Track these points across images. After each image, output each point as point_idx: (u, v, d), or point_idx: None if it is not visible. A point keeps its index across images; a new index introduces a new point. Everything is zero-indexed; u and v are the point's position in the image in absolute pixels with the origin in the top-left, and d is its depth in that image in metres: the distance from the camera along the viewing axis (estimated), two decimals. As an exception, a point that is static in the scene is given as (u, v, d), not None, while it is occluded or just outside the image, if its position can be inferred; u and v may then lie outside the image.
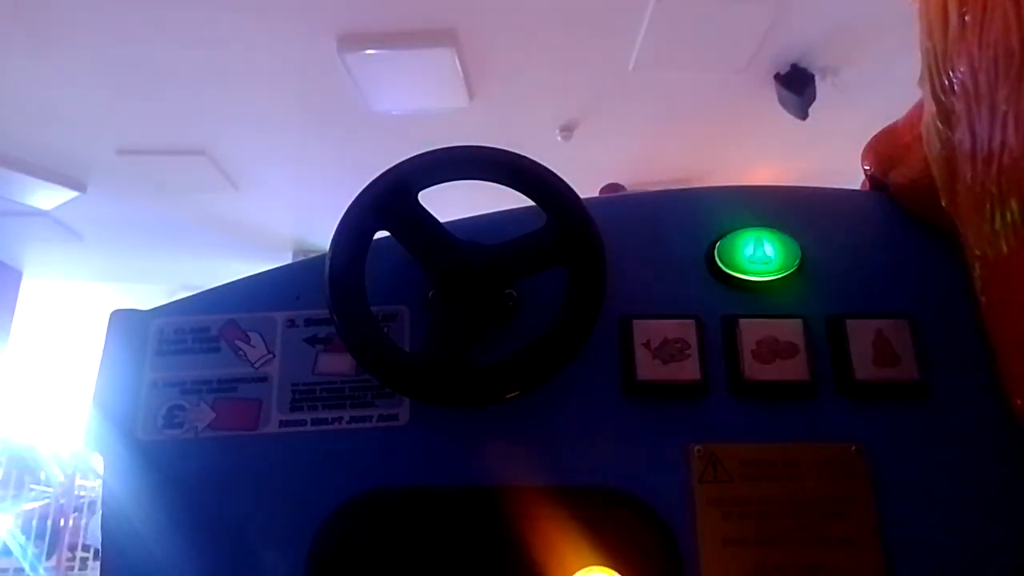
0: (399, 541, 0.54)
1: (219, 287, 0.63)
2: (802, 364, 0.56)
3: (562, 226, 0.56)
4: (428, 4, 2.62)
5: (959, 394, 0.56)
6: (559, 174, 0.57)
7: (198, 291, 0.63)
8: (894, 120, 0.63)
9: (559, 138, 3.43)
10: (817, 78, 2.98)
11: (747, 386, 0.56)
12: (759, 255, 0.59)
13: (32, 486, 5.79)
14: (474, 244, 0.57)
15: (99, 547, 0.58)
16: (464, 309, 0.55)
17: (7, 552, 5.22)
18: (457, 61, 2.85)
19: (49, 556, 5.51)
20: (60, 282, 5.38)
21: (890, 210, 0.62)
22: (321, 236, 4.38)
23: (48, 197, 3.92)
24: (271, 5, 2.59)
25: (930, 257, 0.60)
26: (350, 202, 0.56)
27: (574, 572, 0.51)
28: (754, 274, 0.59)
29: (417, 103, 3.19)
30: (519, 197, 0.58)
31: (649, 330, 0.57)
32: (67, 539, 5.62)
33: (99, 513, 0.59)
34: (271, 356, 0.59)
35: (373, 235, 0.56)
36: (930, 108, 0.51)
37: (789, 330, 0.57)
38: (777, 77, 2.99)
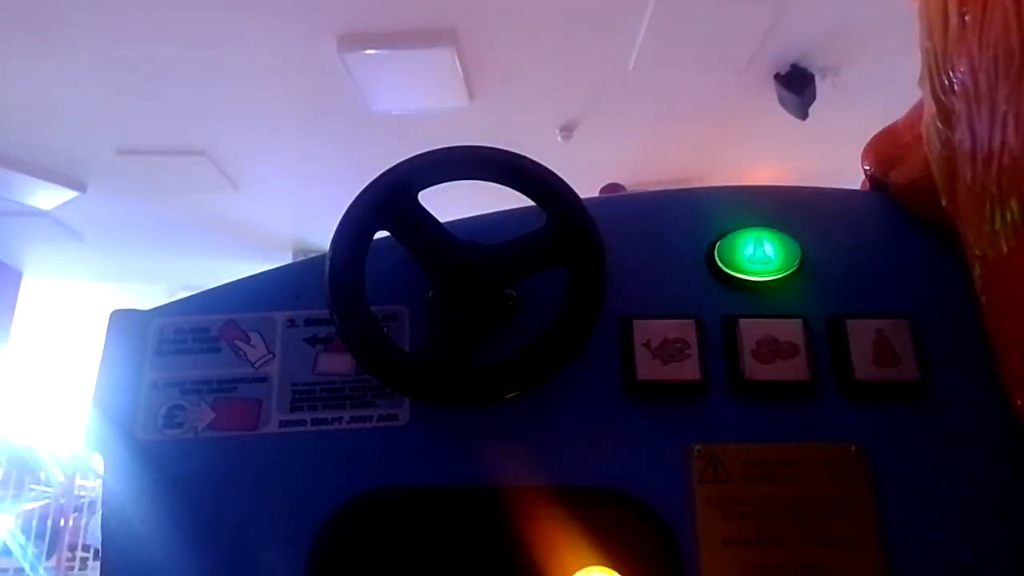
0: (399, 541, 0.54)
1: (219, 287, 0.63)
2: (802, 364, 0.56)
3: (562, 226, 0.56)
4: (428, 4, 2.62)
5: (959, 394, 0.56)
6: (559, 174, 0.57)
7: (198, 291, 0.63)
8: (894, 120, 0.63)
9: (559, 138, 3.43)
10: (817, 78, 2.98)
11: (747, 386, 0.56)
12: (759, 255, 0.59)
13: (32, 486, 5.79)
14: (474, 244, 0.57)
15: (99, 547, 0.58)
16: (464, 309, 0.55)
17: (7, 552, 5.22)
18: (457, 61, 2.85)
19: (49, 556, 5.51)
20: (60, 282, 5.38)
21: (890, 210, 0.62)
22: (321, 236, 4.38)
23: (48, 197, 3.92)
24: (271, 5, 2.59)
25: (930, 257, 0.60)
26: (350, 202, 0.56)
27: (574, 572, 0.51)
28: (754, 274, 0.59)
29: (417, 103, 3.19)
30: (519, 197, 0.58)
31: (649, 330, 0.57)
32: (67, 539, 5.63)
33: (99, 513, 0.59)
34: (271, 356, 0.59)
35: (373, 235, 0.56)
36: (930, 108, 0.51)
37: (789, 330, 0.57)
38: (777, 77, 2.99)
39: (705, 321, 0.58)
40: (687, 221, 0.62)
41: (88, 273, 5.26)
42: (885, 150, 0.63)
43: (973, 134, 0.46)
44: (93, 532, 5.47)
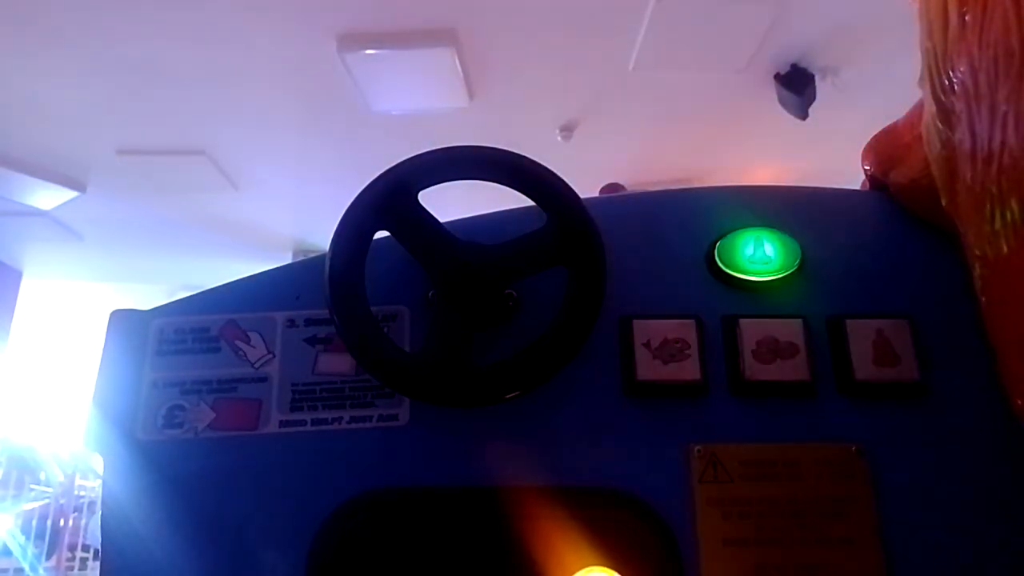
0: (399, 541, 0.54)
1: (219, 287, 0.63)
2: (802, 364, 0.56)
3: (562, 226, 0.56)
4: (428, 4, 2.62)
5: (959, 394, 0.56)
6: (559, 174, 0.57)
7: (198, 291, 0.63)
8: (894, 120, 0.63)
9: (559, 138, 3.43)
10: (817, 78, 2.98)
11: (747, 386, 0.56)
12: (759, 255, 0.59)
13: (32, 486, 5.79)
14: (474, 244, 0.57)
15: (99, 547, 0.58)
16: (464, 309, 0.55)
17: (7, 552, 5.22)
18: (457, 61, 2.85)
19: (49, 556, 5.51)
20: (60, 282, 5.38)
21: (890, 210, 0.62)
22: (321, 236, 4.38)
23: (48, 197, 3.92)
24: (271, 5, 2.59)
25: (930, 257, 0.60)
26: (350, 202, 0.56)
27: (574, 572, 0.51)
28: (754, 274, 0.59)
29: (417, 103, 3.19)
30: (519, 197, 0.58)
31: (649, 330, 0.57)
32: (67, 539, 5.62)
33: (99, 513, 0.59)
34: (271, 356, 0.59)
35: (373, 235, 0.56)
36: (930, 108, 0.51)
37: (789, 330, 0.57)
38: (777, 77, 2.99)
39: (705, 321, 0.58)
40: (687, 221, 0.62)
41: (88, 273, 5.26)
42: (885, 150, 0.63)
43: (973, 134, 0.46)
44: (93, 532, 5.47)
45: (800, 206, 0.63)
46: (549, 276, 0.56)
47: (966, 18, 0.46)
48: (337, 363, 0.59)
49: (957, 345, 0.57)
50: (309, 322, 0.60)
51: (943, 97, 0.49)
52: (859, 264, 0.60)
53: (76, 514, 5.82)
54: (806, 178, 3.52)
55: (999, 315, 0.47)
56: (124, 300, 1.50)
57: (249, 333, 0.60)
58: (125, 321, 0.62)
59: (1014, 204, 0.43)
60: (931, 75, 0.50)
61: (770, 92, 3.05)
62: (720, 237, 0.60)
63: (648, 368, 0.56)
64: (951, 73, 0.47)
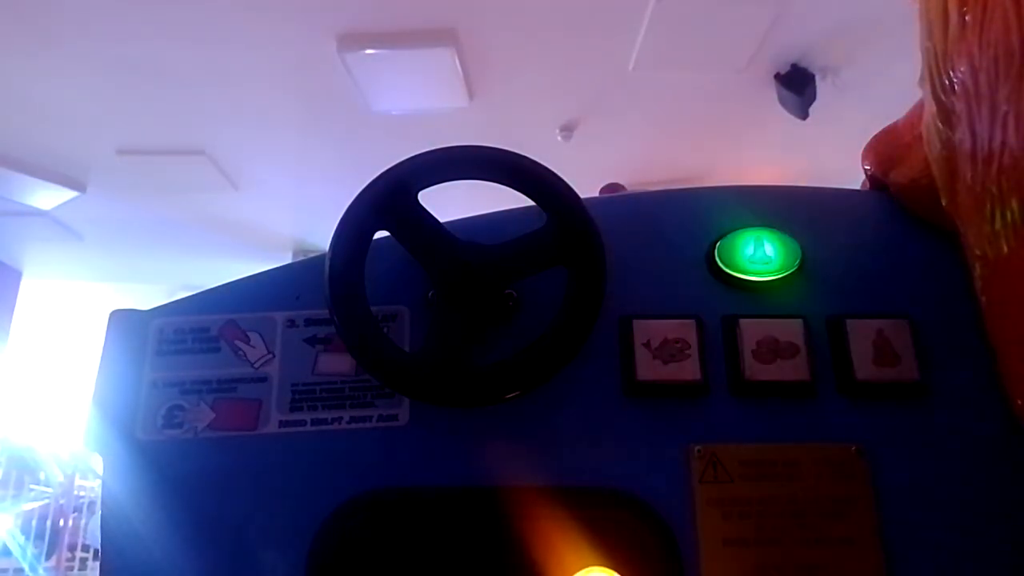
0: (399, 541, 0.54)
1: (219, 287, 0.63)
2: (802, 364, 0.56)
3: (562, 226, 0.56)
4: (428, 4, 2.62)
5: (959, 394, 0.56)
6: (559, 174, 0.57)
7: (198, 291, 0.63)
8: (894, 120, 0.63)
9: (559, 138, 3.43)
10: (817, 78, 2.98)
11: (747, 386, 0.56)
12: (759, 255, 0.59)
13: (32, 486, 5.79)
14: (474, 244, 0.57)
15: (99, 547, 0.58)
16: (464, 309, 0.55)
17: (7, 552, 5.22)
18: (457, 61, 2.85)
19: (49, 556, 5.51)
20: (60, 282, 5.38)
21: (890, 210, 0.62)
22: (321, 236, 4.38)
23: (48, 197, 3.92)
24: (271, 5, 2.59)
25: (930, 257, 0.60)
26: (350, 202, 0.56)
27: (574, 572, 0.51)
28: (754, 274, 0.59)
29: (417, 103, 3.19)
30: (519, 197, 0.58)
31: (649, 330, 0.57)
32: (67, 539, 5.62)
33: (99, 513, 0.59)
34: (271, 356, 0.59)
35: (373, 235, 0.56)
36: (930, 108, 0.51)
37: (789, 330, 0.57)
38: (777, 77, 2.99)
39: (705, 321, 0.58)
40: (687, 221, 0.62)
41: (88, 273, 5.26)
42: (885, 150, 0.63)
43: (973, 134, 0.46)
44: (93, 532, 5.47)
45: (800, 206, 0.63)
46: (549, 276, 0.56)
47: (966, 18, 0.46)
48: (337, 363, 0.59)
49: (957, 345, 0.57)
50: (309, 322, 0.60)
51: (943, 97, 0.49)
52: (859, 264, 0.60)
53: (76, 514, 5.82)
54: (806, 178, 3.52)
55: (999, 315, 0.47)
56: (124, 300, 1.50)
57: (249, 333, 0.60)
58: (125, 321, 0.62)
59: (1014, 204, 0.43)
60: (931, 75, 0.50)
61: (770, 92, 3.05)
62: (720, 237, 0.60)
63: (648, 368, 0.56)
64: (951, 73, 0.47)
